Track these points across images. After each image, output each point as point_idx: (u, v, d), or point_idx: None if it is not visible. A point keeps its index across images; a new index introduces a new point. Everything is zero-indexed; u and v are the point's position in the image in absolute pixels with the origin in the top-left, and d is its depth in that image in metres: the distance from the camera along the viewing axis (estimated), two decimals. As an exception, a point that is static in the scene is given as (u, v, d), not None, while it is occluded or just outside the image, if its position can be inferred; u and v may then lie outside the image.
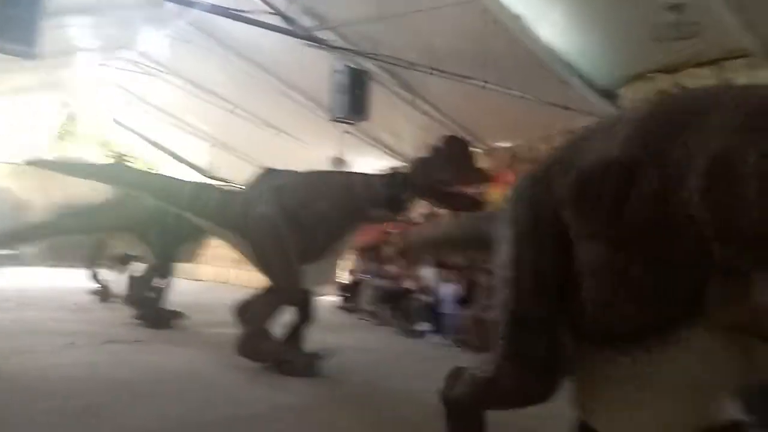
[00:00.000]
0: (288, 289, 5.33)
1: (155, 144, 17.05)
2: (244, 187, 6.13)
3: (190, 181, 6.61)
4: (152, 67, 12.44)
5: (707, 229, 1.62)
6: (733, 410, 1.99)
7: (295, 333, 5.77)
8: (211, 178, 15.00)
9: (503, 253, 2.30)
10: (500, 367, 2.26)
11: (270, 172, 5.99)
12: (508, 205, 2.39)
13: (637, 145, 1.85)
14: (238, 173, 16.44)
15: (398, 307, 9.41)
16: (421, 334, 8.52)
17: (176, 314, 7.83)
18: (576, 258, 2.03)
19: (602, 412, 2.07)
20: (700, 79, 7.66)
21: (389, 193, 5.14)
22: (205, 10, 7.77)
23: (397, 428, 3.89)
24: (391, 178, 5.28)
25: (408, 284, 9.66)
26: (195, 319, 8.03)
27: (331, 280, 5.89)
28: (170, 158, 16.94)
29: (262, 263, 5.54)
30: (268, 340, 5.35)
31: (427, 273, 9.28)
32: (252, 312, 5.36)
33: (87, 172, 7.04)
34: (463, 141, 5.56)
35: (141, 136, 17.12)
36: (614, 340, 1.95)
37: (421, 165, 5.10)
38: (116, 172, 6.97)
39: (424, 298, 8.87)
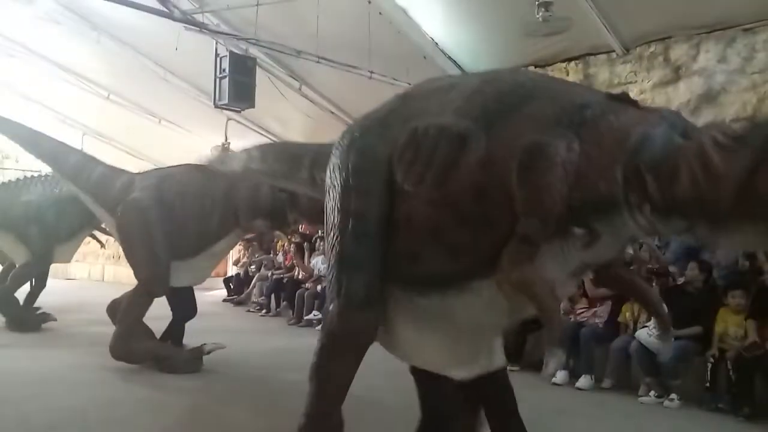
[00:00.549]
0: (152, 283, 5.01)
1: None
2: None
3: (79, 150, 6.17)
4: (15, 49, 11.33)
5: (517, 203, 1.94)
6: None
7: (173, 328, 5.56)
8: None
9: (331, 198, 2.42)
10: (328, 310, 2.44)
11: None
12: (337, 151, 2.46)
13: (470, 118, 2.11)
14: (115, 163, 15.49)
15: (289, 297, 9.34)
16: (312, 323, 8.51)
17: (45, 316, 7.28)
18: (396, 208, 2.25)
19: (403, 346, 2.45)
20: (568, 72, 8.25)
21: (274, 207, 4.90)
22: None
23: (285, 420, 3.87)
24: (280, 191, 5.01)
25: (299, 273, 9.61)
26: (66, 319, 7.51)
27: (204, 279, 5.61)
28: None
29: (126, 252, 5.26)
30: (141, 339, 5.07)
31: (318, 262, 9.28)
32: (121, 311, 5.07)
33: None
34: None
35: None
36: (417, 284, 2.26)
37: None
38: (8, 126, 6.36)
39: (315, 287, 8.86)
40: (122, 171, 5.78)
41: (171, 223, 5.03)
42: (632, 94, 7.65)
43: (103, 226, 7.24)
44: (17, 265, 7.39)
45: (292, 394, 3.13)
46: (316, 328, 8.28)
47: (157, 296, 5.17)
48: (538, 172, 1.89)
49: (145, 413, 3.85)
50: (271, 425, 3.65)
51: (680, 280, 5.45)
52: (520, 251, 1.94)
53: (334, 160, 2.43)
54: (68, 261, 7.81)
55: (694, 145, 1.79)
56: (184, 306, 5.59)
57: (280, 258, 10.47)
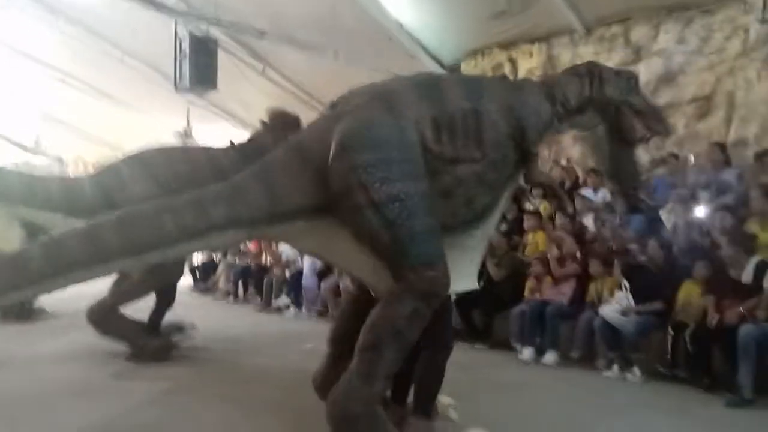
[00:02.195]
0: (165, 272, 4.95)
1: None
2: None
3: (13, 171, 5.83)
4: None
5: (524, 142, 3.04)
6: None
7: (155, 319, 5.46)
8: (39, 155, 13.54)
9: (369, 191, 2.66)
10: (413, 280, 2.65)
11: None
12: (350, 151, 2.67)
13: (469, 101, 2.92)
14: (72, 149, 15.03)
15: (257, 283, 9.25)
16: (280, 309, 8.47)
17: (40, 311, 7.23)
18: (439, 179, 2.78)
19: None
20: (531, 54, 8.32)
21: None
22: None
23: (256, 405, 3.85)
24: (234, 149, 5.08)
25: (266, 259, 9.52)
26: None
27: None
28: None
29: None
30: (123, 319, 5.05)
31: (287, 247, 9.20)
32: (123, 288, 5.00)
33: None
34: (286, 113, 5.50)
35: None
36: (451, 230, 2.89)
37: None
38: None
39: (283, 273, 8.80)
40: (71, 177, 5.55)
41: None
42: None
43: None
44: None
45: (262, 379, 3.12)
46: (285, 314, 8.25)
47: (164, 285, 5.16)
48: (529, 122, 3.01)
49: (113, 400, 3.78)
50: (240, 410, 3.63)
51: (641, 258, 5.58)
52: (535, 164, 3.12)
53: (366, 158, 2.59)
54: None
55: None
56: (167, 293, 5.51)
57: (247, 245, 10.31)
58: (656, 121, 3.34)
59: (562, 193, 3.49)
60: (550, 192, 3.78)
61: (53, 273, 2.51)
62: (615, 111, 3.25)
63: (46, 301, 7.31)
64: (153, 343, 5.07)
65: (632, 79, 3.40)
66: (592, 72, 3.25)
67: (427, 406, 2.99)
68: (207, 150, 5.44)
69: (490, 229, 3.16)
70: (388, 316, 2.55)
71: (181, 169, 4.85)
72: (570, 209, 5.30)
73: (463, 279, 2.95)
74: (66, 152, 15.06)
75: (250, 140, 5.52)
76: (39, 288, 2.66)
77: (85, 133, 13.59)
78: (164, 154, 5.19)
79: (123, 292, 5.03)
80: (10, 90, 12.73)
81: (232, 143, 5.54)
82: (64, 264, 2.51)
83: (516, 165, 3.03)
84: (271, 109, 5.45)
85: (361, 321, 2.86)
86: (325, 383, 2.99)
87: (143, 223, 2.60)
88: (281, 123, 5.15)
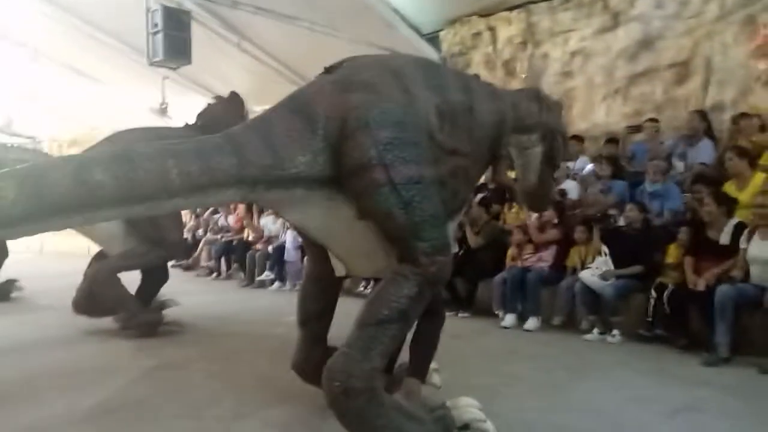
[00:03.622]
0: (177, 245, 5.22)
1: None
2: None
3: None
4: None
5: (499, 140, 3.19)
6: None
7: (147, 293, 5.45)
8: (12, 135, 13.24)
9: (379, 172, 2.55)
10: (421, 262, 2.58)
11: (113, 137, 5.37)
12: (367, 129, 2.52)
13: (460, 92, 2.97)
14: (46, 128, 14.71)
15: (240, 259, 9.23)
16: (264, 283, 8.47)
17: (11, 284, 7.32)
18: (442, 166, 2.73)
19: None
20: (510, 21, 8.25)
21: None
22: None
23: (244, 379, 3.86)
24: (190, 128, 5.15)
25: (248, 235, 9.48)
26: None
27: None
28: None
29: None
30: (119, 285, 4.99)
31: (269, 222, 9.17)
32: (125, 254, 4.95)
33: None
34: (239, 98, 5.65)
35: None
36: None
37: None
38: None
39: (266, 248, 8.78)
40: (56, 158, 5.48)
41: None
42: (573, 42, 7.71)
43: None
44: None
45: (249, 352, 3.12)
46: (269, 288, 8.25)
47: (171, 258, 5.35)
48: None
49: (100, 376, 3.77)
50: (228, 384, 3.64)
51: (620, 222, 5.65)
52: (501, 166, 3.32)
53: (390, 136, 2.48)
54: None
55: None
56: (162, 269, 5.53)
57: (223, 220, 10.26)
58: (567, 146, 3.81)
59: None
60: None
61: (26, 216, 1.95)
62: (551, 137, 3.56)
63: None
64: (144, 317, 5.04)
65: (561, 107, 3.85)
66: (541, 98, 3.55)
67: (423, 371, 3.05)
68: (174, 128, 5.42)
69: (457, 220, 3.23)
70: (393, 294, 2.48)
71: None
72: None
73: None
74: (40, 131, 14.76)
75: (202, 113, 5.65)
76: (5, 232, 2.01)
77: (59, 111, 13.30)
78: (136, 134, 5.12)
79: (125, 260, 4.97)
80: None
81: (186, 123, 5.60)
82: (45, 206, 1.97)
83: (485, 166, 3.24)
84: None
85: (327, 300, 3.04)
86: (307, 365, 3.02)
87: (147, 166, 2.14)
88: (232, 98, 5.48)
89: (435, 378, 3.10)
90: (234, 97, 6.05)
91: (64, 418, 3.04)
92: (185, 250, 5.05)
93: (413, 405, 2.58)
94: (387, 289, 2.50)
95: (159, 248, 5.04)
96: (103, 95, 11.93)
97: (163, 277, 5.61)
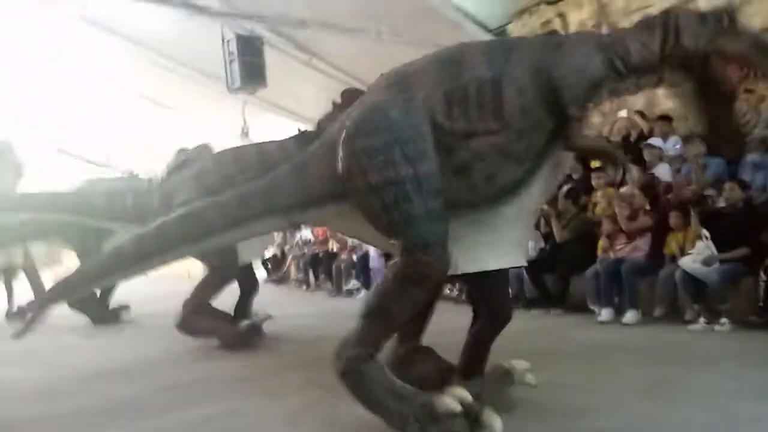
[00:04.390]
0: (226, 266, 5.23)
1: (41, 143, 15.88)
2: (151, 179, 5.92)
3: (96, 191, 6.27)
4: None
5: (563, 101, 2.71)
6: None
7: (241, 306, 5.73)
8: (111, 169, 14.23)
9: (378, 173, 2.73)
10: (410, 261, 2.70)
11: (180, 156, 5.77)
12: (366, 137, 2.76)
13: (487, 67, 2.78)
14: (140, 162, 15.71)
15: (326, 270, 9.42)
16: (352, 292, 8.58)
17: (121, 309, 7.91)
18: (455, 155, 2.74)
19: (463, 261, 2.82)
20: (581, 4, 7.95)
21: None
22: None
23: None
24: (301, 136, 5.11)
25: (333, 246, 9.66)
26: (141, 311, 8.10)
27: (264, 250, 5.73)
28: (62, 155, 15.85)
29: None
30: (206, 317, 5.35)
31: (350, 232, 9.31)
32: (193, 292, 5.30)
33: None
34: (359, 91, 5.52)
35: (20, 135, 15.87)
36: (472, 206, 2.79)
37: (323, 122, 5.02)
38: (22, 200, 6.53)
39: (350, 257, 8.90)
40: (142, 188, 5.85)
41: None
42: (656, 8, 7.29)
43: None
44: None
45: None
46: (356, 296, 8.35)
47: (231, 279, 5.38)
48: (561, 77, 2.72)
49: (202, 389, 3.94)
50: (323, 391, 3.69)
51: (720, 203, 5.27)
52: (577, 128, 2.72)
53: (366, 143, 2.70)
54: None
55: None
56: (248, 281, 5.76)
57: (308, 234, 10.48)
58: (762, 56, 2.73)
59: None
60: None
61: (133, 261, 3.27)
62: (701, 63, 2.74)
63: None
64: (237, 331, 5.28)
65: (723, 18, 2.77)
66: (666, 23, 2.76)
67: (470, 370, 3.04)
68: (274, 142, 5.58)
69: (529, 205, 2.91)
70: (381, 291, 2.75)
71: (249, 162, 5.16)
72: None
73: (497, 257, 2.88)
74: (136, 165, 15.78)
75: (318, 123, 5.69)
76: (125, 273, 3.37)
77: (151, 144, 14.18)
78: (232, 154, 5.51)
79: (199, 293, 5.27)
80: (82, 113, 13.47)
81: (299, 131, 5.69)
82: (142, 253, 3.25)
83: (556, 130, 2.76)
84: (345, 89, 5.58)
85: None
86: (394, 358, 3.18)
87: (195, 215, 3.14)
88: (352, 100, 5.24)
89: (528, 378, 2.99)
90: (347, 94, 5.94)
91: (173, 429, 3.20)
92: (231, 266, 5.17)
93: (407, 388, 2.72)
94: (379, 285, 2.80)
95: (214, 273, 5.27)
96: (189, 125, 12.61)
97: (252, 289, 5.81)
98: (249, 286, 5.80)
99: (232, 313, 5.71)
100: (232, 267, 5.28)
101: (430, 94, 2.72)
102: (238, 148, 6.02)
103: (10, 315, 8.78)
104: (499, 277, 2.98)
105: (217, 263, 5.25)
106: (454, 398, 2.57)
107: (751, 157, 5.44)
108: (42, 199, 6.35)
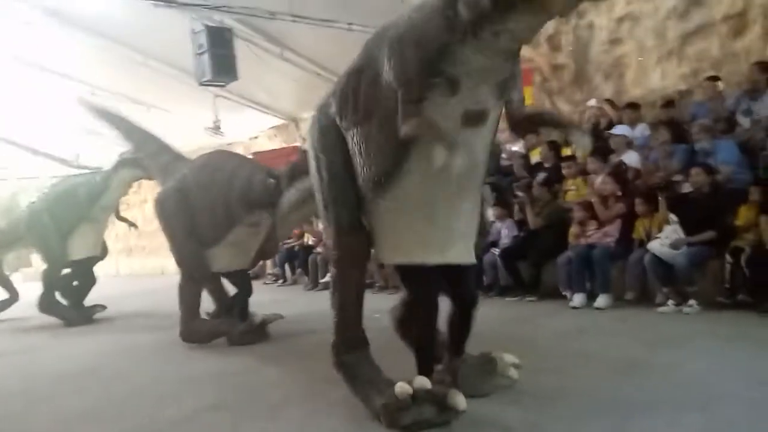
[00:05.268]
0: (189, 270, 5.17)
1: (6, 140, 15.46)
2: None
3: (158, 139, 6.46)
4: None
5: (392, 81, 2.57)
6: None
7: (240, 308, 5.64)
8: (80, 168, 13.95)
9: (312, 161, 3.16)
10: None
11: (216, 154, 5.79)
12: (309, 129, 3.19)
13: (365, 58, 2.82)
14: (110, 157, 15.42)
15: (302, 264, 9.40)
16: (327, 285, 8.58)
17: (95, 308, 7.81)
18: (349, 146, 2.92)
19: (387, 249, 2.99)
20: None
21: (269, 196, 4.73)
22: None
23: (318, 380, 3.92)
24: (288, 175, 4.69)
25: (309, 239, 9.64)
26: (116, 310, 8.05)
27: (243, 265, 5.59)
28: (28, 153, 15.47)
29: (167, 241, 5.39)
30: (203, 320, 5.36)
31: (326, 225, 9.30)
32: (178, 299, 5.22)
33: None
34: None
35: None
36: (381, 192, 2.82)
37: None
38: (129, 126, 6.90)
39: (325, 250, 8.90)
40: (183, 159, 5.89)
41: (193, 212, 5.14)
42: (619, 8, 7.41)
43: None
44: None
45: (322, 353, 3.20)
46: (334, 289, 8.36)
47: (197, 280, 5.25)
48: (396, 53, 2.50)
49: (183, 385, 3.93)
50: (302, 386, 3.71)
51: (686, 188, 5.40)
52: (406, 112, 2.45)
53: (308, 135, 3.21)
54: (92, 254, 7.97)
55: None
56: (242, 285, 5.72)
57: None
58: None
59: (559, 119, 3.12)
60: (544, 124, 3.19)
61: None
62: None
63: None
64: (240, 329, 5.22)
65: None
66: None
67: (461, 350, 3.13)
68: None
69: (424, 198, 2.73)
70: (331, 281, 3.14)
71: None
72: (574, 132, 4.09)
73: (422, 251, 2.82)
74: (106, 162, 15.49)
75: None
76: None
77: (120, 141, 13.91)
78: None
79: (184, 301, 5.19)
80: (45, 108, 13.14)
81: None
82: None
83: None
84: None
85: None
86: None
87: None
88: None
89: (512, 372, 3.02)
90: None
91: (148, 428, 3.19)
92: (201, 269, 5.13)
93: (383, 379, 2.90)
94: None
95: (182, 276, 5.23)
96: (160, 120, 12.37)
97: (248, 290, 5.76)
98: (245, 288, 5.73)
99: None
100: (199, 270, 5.19)
101: (332, 95, 2.99)
102: (231, 156, 5.90)
103: None
104: (457, 266, 2.93)
105: (181, 262, 5.22)
106: (407, 384, 2.67)
107: (700, 145, 5.63)
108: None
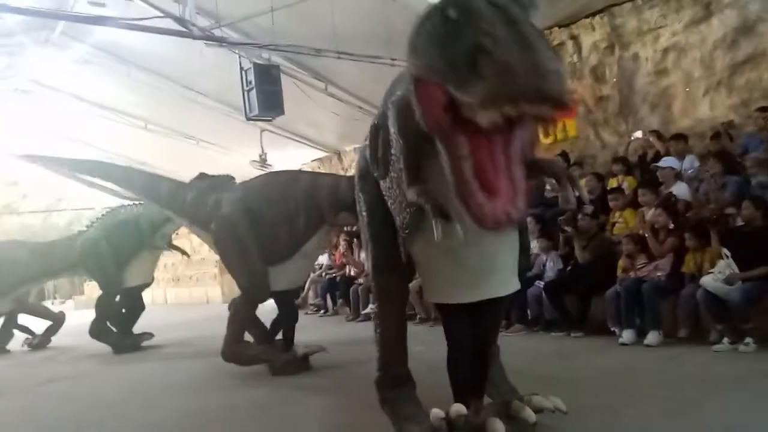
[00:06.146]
0: (252, 291, 5.23)
1: (67, 174, 16.21)
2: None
3: (167, 178, 6.54)
4: (54, 95, 11.78)
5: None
6: None
7: (286, 334, 5.69)
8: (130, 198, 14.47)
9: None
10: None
11: (204, 180, 5.96)
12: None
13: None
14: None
15: (344, 294, 9.43)
16: (369, 316, 8.57)
17: (143, 336, 7.96)
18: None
19: (427, 289, 3.13)
20: (594, 27, 8.01)
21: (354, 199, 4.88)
22: (95, 24, 7.50)
23: (360, 411, 3.91)
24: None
25: (350, 270, 9.69)
26: (164, 338, 8.18)
27: (303, 280, 5.70)
28: (84, 185, 16.15)
29: (226, 266, 5.48)
30: (247, 344, 5.39)
31: (368, 257, 9.32)
32: (228, 319, 5.30)
33: (74, 168, 7.34)
34: None
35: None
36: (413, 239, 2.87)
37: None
38: (105, 168, 6.89)
39: (367, 281, 8.91)
40: (206, 191, 5.90)
41: (261, 230, 5.21)
42: (664, 39, 7.30)
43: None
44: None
45: (363, 384, 3.20)
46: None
47: (260, 302, 5.37)
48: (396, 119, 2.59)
49: (223, 415, 3.97)
50: (343, 419, 3.69)
51: (738, 221, 5.22)
52: (408, 177, 2.59)
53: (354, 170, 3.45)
54: (146, 281, 8.26)
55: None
56: (289, 310, 5.79)
57: (322, 259, 10.39)
58: None
59: (559, 170, 2.82)
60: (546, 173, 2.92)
61: None
62: None
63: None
64: (284, 358, 5.28)
65: None
66: None
67: (477, 390, 3.03)
68: (330, 176, 5.72)
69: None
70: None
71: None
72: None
73: (454, 291, 2.89)
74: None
75: None
76: None
77: (170, 172, 14.37)
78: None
79: (234, 322, 5.24)
80: (100, 142, 13.76)
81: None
82: None
83: None
84: None
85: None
86: None
87: None
88: None
89: (527, 414, 2.87)
90: None
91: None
92: (259, 290, 5.17)
93: (425, 413, 2.89)
94: None
95: (241, 296, 5.28)
96: (207, 153, 12.81)
97: (294, 317, 5.82)
98: (290, 314, 5.78)
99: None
100: (260, 291, 5.25)
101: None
102: (294, 172, 6.12)
103: (31, 344, 8.92)
104: (480, 307, 2.90)
105: (243, 286, 5.26)
106: (441, 411, 2.75)
107: (756, 179, 5.45)
108: (118, 171, 6.86)
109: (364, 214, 3.19)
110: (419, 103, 2.08)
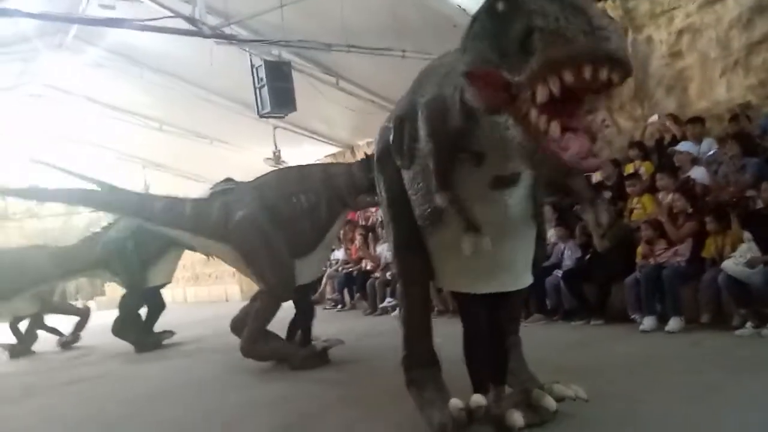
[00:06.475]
0: (279, 289, 5.24)
1: (83, 177, 16.38)
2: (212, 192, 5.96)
3: (159, 195, 6.52)
4: (69, 98, 11.90)
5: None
6: None
7: (297, 329, 5.73)
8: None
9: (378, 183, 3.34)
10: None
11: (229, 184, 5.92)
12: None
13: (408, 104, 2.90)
14: (177, 191, 16.08)
15: (361, 288, 9.44)
16: (387, 310, 8.58)
17: (164, 334, 8.06)
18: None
19: (440, 277, 3.12)
20: (606, 11, 7.89)
21: (369, 183, 4.88)
22: (107, 26, 7.56)
23: (382, 404, 3.91)
24: (368, 161, 5.09)
25: (366, 264, 9.69)
26: (185, 336, 8.30)
27: (321, 271, 5.77)
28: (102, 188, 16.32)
29: (252, 266, 5.39)
30: (267, 340, 5.39)
31: (384, 249, 9.32)
32: (252, 315, 5.35)
33: (56, 197, 7.37)
34: None
35: (66, 170, 16.39)
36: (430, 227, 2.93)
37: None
38: (85, 195, 6.76)
39: (384, 274, 8.91)
40: (204, 199, 5.90)
41: (284, 226, 5.24)
42: (678, 20, 7.22)
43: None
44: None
45: (382, 376, 3.21)
46: (392, 314, 8.34)
47: (285, 300, 5.39)
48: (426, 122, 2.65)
49: (244, 410, 4.00)
50: (364, 411, 3.70)
51: (759, 203, 5.13)
52: (438, 181, 2.64)
53: (375, 148, 3.40)
54: (167, 280, 8.37)
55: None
56: (306, 307, 5.80)
57: (337, 254, 10.41)
58: None
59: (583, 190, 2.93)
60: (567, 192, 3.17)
61: None
62: None
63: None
64: (302, 353, 5.30)
65: None
66: None
67: (497, 379, 3.02)
68: (341, 165, 5.78)
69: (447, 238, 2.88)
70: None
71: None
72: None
73: (470, 281, 2.97)
74: (173, 193, 16.17)
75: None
76: None
77: (185, 172, 14.50)
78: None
79: (258, 319, 5.27)
80: (115, 144, 13.89)
81: (365, 155, 5.81)
82: None
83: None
84: None
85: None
86: None
87: None
88: None
89: (547, 401, 2.87)
90: None
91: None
92: (286, 286, 5.18)
93: (443, 396, 2.95)
94: None
95: (269, 294, 5.28)
96: (222, 152, 12.87)
97: (311, 312, 5.82)
98: (308, 310, 5.79)
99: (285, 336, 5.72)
100: (288, 286, 5.26)
101: (391, 120, 3.11)
102: (303, 166, 6.15)
103: (63, 343, 9.06)
104: (495, 297, 2.97)
105: (271, 284, 5.24)
106: (461, 402, 2.75)
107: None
108: (102, 195, 6.53)
109: (384, 195, 3.19)
110: (475, 89, 2.12)
